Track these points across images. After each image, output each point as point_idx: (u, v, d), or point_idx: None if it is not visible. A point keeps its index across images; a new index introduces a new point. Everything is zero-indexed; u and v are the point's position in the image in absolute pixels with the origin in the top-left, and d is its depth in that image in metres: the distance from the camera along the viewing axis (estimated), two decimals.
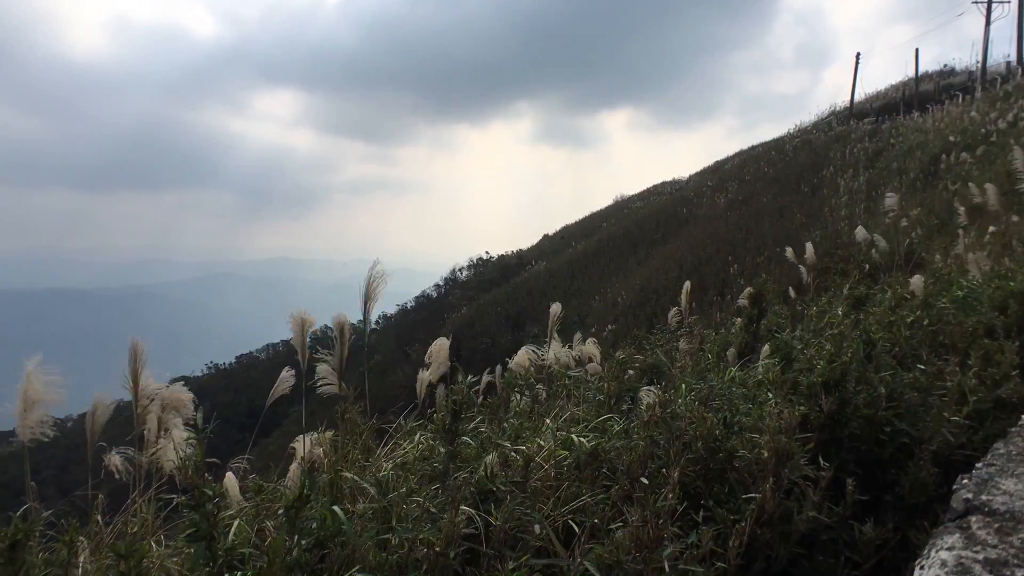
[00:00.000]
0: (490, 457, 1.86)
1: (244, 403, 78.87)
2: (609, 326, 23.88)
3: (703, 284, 22.78)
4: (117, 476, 2.76)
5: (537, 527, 1.61)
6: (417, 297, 73.59)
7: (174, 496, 2.45)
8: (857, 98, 37.54)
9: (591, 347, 3.48)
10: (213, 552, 1.68)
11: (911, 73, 35.19)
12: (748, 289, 4.73)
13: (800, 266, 7.30)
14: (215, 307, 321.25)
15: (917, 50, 34.44)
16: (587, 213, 75.22)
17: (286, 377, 3.53)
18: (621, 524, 1.79)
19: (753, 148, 52.48)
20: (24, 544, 1.72)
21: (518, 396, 3.18)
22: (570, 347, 3.52)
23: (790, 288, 8.77)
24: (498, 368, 4.95)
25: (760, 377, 3.02)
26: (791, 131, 41.49)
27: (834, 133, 32.45)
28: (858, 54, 36.12)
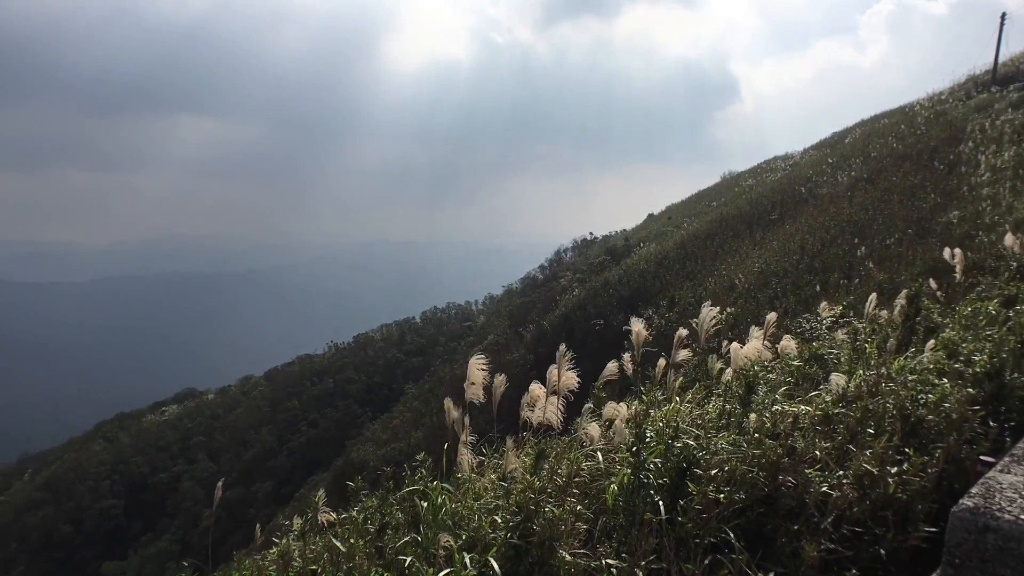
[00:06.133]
0: (768, 413, 3.09)
1: (363, 380, 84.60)
2: (728, 309, 24.27)
3: (827, 267, 22.66)
4: None
5: (817, 452, 2.83)
6: (523, 278, 75.78)
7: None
8: (1002, 59, 34.71)
9: (788, 342, 4.58)
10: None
11: None
12: (905, 291, 5.61)
13: (955, 266, 7.85)
14: (322, 289, 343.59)
15: None
16: (694, 191, 73.91)
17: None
18: (851, 458, 2.96)
19: (877, 119, 49.57)
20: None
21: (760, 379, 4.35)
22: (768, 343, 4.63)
23: (931, 280, 9.26)
24: (626, 355, 4.90)
25: (930, 366, 4.03)
26: (921, 100, 38.96)
27: (973, 102, 30.44)
28: (1003, 14, 33.40)
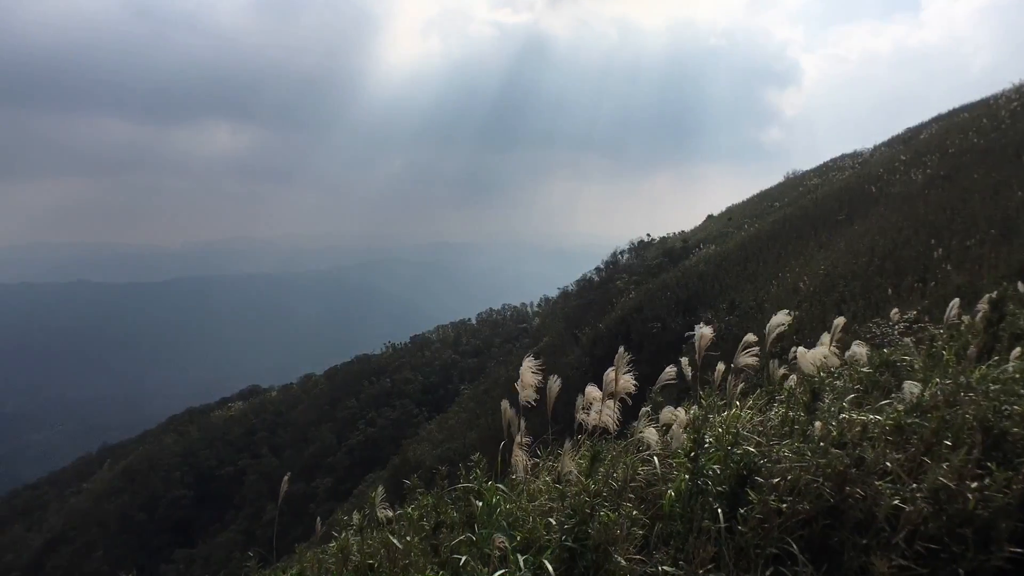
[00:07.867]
0: (835, 422, 2.96)
1: (419, 380, 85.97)
2: (792, 312, 23.45)
3: (899, 269, 21.55)
4: None
5: (888, 463, 2.69)
6: (578, 281, 75.29)
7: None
8: None
9: (858, 347, 4.38)
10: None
11: None
12: (988, 295, 5.27)
13: None
14: (379, 290, 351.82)
15: None
16: (755, 191, 71.80)
17: None
18: (926, 471, 2.79)
19: (955, 112, 46.97)
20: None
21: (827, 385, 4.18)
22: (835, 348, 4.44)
23: (1018, 283, 8.69)
24: (683, 360, 4.76)
25: (1016, 375, 3.77)
26: (1006, 91, 36.64)
27: None
28: None
